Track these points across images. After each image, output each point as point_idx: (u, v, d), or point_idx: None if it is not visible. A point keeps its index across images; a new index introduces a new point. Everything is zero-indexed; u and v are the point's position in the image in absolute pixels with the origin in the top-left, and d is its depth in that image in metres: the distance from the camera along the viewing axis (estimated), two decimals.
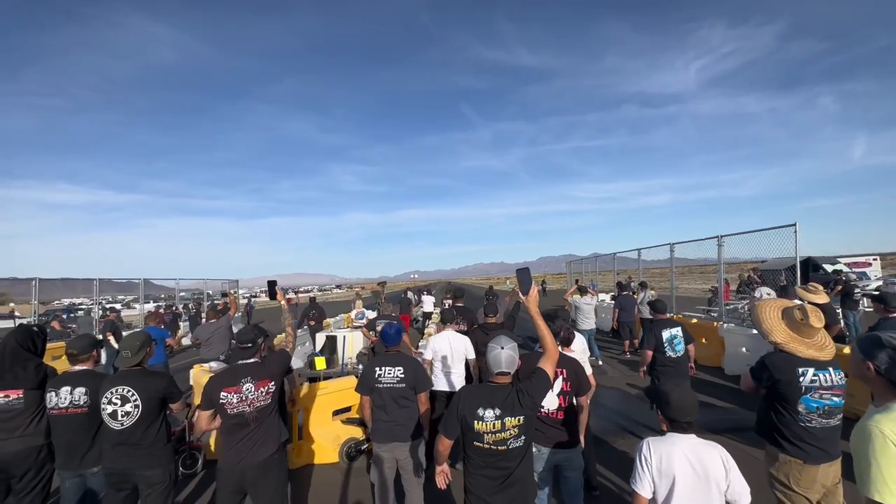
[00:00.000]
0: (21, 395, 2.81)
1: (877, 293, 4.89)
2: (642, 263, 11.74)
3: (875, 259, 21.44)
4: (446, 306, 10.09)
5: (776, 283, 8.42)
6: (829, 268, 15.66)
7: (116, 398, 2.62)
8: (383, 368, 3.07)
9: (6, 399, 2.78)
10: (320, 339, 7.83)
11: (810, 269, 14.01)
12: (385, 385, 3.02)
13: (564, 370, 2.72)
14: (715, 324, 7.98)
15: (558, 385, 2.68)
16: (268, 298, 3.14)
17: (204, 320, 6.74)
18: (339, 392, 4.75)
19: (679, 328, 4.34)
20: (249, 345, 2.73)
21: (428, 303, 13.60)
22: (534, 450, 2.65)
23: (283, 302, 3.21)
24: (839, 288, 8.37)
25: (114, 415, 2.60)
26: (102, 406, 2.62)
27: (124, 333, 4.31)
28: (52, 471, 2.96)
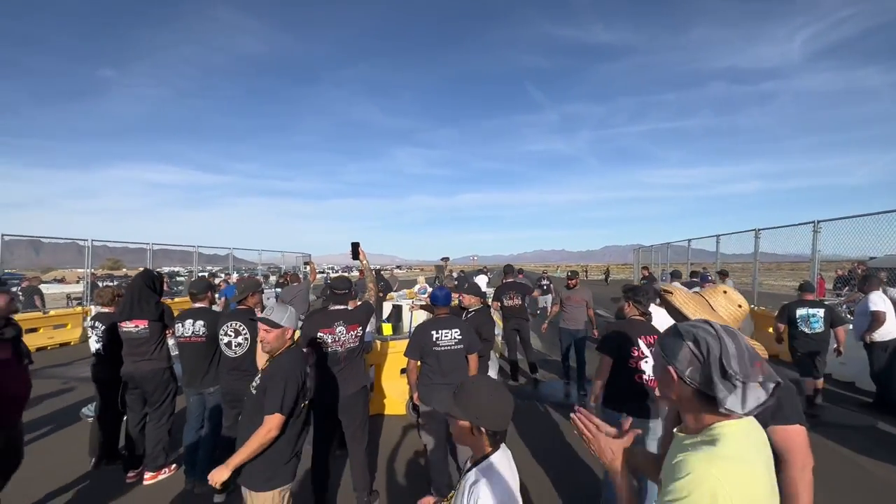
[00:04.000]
0: (146, 326, 3.39)
1: None
2: (720, 256, 10.90)
3: None
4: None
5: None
6: None
7: (231, 331, 3.08)
8: (440, 331, 3.06)
9: (136, 328, 3.38)
10: (387, 308, 8.30)
11: None
12: (443, 348, 3.04)
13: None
14: None
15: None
16: (350, 258, 3.42)
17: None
18: None
19: (821, 310, 4.83)
20: (345, 291, 3.08)
21: (482, 282, 13.73)
22: (650, 424, 2.59)
23: (364, 261, 3.50)
24: None
25: (228, 345, 3.07)
26: (220, 337, 3.09)
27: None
28: (175, 389, 3.56)
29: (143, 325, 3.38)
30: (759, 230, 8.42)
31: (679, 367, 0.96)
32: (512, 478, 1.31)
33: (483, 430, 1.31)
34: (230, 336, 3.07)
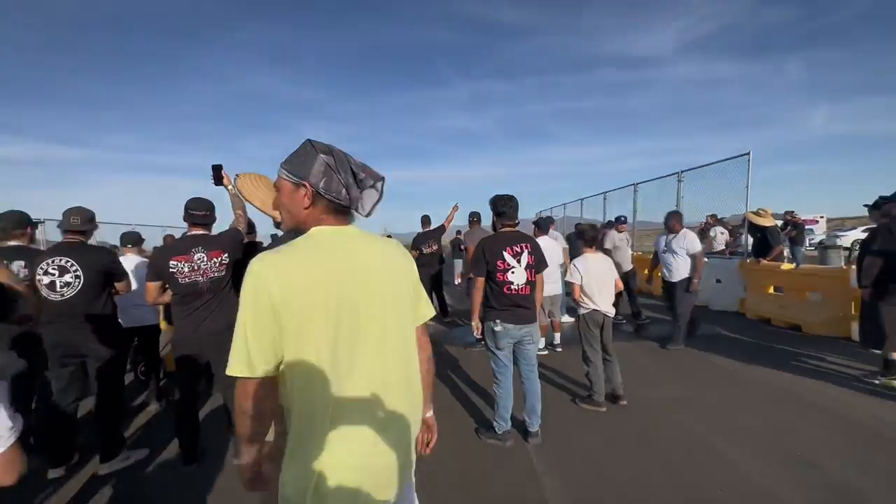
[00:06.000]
0: None
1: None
2: (606, 217, 11.90)
3: (822, 217, 23.16)
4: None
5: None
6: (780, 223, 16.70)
7: (53, 269, 2.47)
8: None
9: None
10: None
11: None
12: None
13: (529, 245, 2.82)
14: None
15: (524, 259, 2.78)
16: (213, 184, 2.76)
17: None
18: None
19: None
20: (204, 213, 2.61)
21: None
22: (498, 328, 2.73)
23: (229, 186, 2.95)
24: (793, 232, 8.84)
25: (52, 286, 2.46)
26: (38, 277, 2.46)
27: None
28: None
29: None
30: (636, 184, 9.41)
31: (313, 181, 0.97)
32: None
33: None
34: (52, 275, 2.45)
